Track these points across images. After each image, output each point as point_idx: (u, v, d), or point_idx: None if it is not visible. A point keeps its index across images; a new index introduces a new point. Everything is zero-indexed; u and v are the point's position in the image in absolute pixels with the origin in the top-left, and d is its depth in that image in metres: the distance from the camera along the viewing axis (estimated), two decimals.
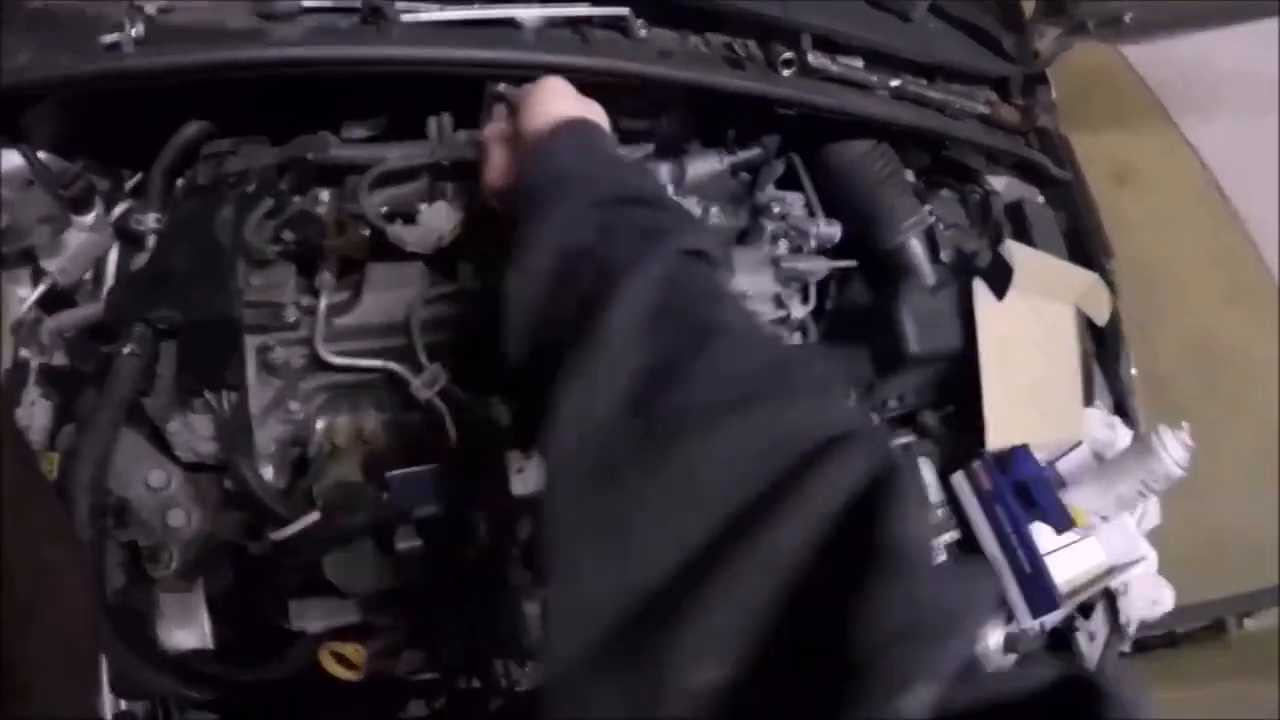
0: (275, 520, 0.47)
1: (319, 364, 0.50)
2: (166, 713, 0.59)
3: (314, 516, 0.45)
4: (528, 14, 0.54)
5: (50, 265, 0.57)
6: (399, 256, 0.51)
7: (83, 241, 0.58)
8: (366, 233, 0.51)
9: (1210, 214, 1.37)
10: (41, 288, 0.57)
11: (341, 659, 0.49)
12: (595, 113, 0.45)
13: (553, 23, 0.54)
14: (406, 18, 0.51)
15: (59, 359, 0.57)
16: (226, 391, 0.47)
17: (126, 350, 0.48)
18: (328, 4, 0.52)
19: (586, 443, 0.28)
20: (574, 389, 0.28)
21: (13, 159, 0.59)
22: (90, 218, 0.58)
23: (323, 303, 0.49)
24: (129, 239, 0.55)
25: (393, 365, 0.49)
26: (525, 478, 0.46)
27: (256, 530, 0.54)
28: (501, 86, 0.48)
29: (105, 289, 0.60)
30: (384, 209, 0.51)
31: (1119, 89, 1.24)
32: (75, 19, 0.54)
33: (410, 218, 0.51)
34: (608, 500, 0.26)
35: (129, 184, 0.63)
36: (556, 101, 0.43)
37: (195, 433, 0.49)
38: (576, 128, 0.42)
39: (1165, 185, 1.31)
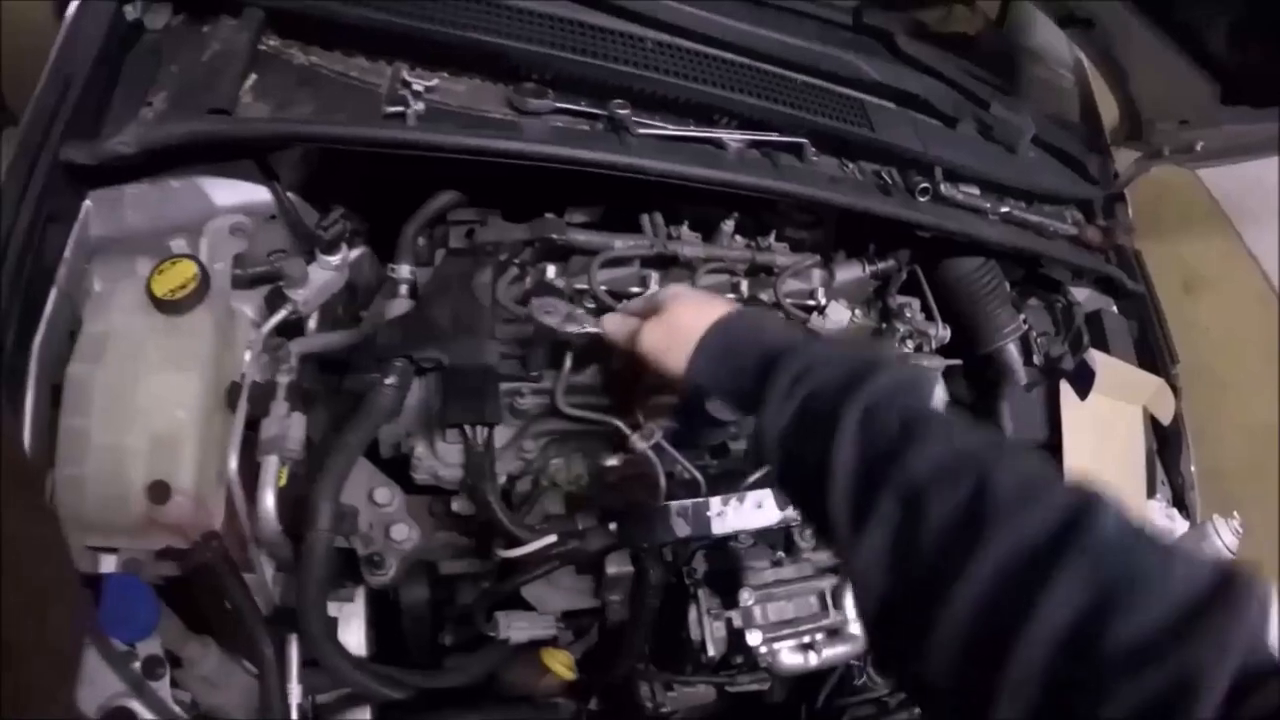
0: (510, 540, 0.69)
1: (554, 412, 0.74)
2: (314, 711, 0.78)
3: (550, 538, 0.68)
4: (730, 137, 0.82)
5: (295, 295, 0.80)
6: None
7: (326, 278, 0.82)
8: (592, 306, 0.77)
9: (1267, 318, 1.74)
10: (284, 313, 0.80)
11: (559, 663, 0.72)
12: (724, 304, 0.61)
13: (749, 144, 0.82)
14: (641, 131, 0.78)
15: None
16: (480, 427, 0.70)
17: (389, 381, 0.71)
18: (574, 107, 0.78)
19: (875, 612, 0.43)
20: (854, 584, 0.46)
21: (260, 193, 0.83)
22: (337, 259, 0.82)
23: (568, 361, 0.74)
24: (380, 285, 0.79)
25: (617, 421, 0.73)
26: (724, 520, 0.70)
27: (460, 550, 0.77)
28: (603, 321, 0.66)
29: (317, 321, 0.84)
30: (604, 288, 0.77)
31: (1186, 202, 1.61)
32: (342, 83, 0.78)
33: (624, 298, 0.77)
34: (901, 647, 0.42)
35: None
36: (697, 302, 0.61)
37: (441, 460, 0.72)
38: (727, 322, 0.58)
39: (1228, 293, 1.67)
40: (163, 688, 0.67)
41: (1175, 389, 1.16)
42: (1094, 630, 0.35)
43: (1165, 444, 1.18)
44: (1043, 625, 0.36)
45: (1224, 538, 0.96)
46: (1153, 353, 1.17)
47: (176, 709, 0.66)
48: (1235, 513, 0.97)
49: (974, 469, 0.43)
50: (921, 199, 0.89)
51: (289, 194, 0.82)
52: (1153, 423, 1.16)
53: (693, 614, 0.72)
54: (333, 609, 0.78)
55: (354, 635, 0.79)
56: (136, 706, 0.64)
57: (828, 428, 0.47)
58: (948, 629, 0.39)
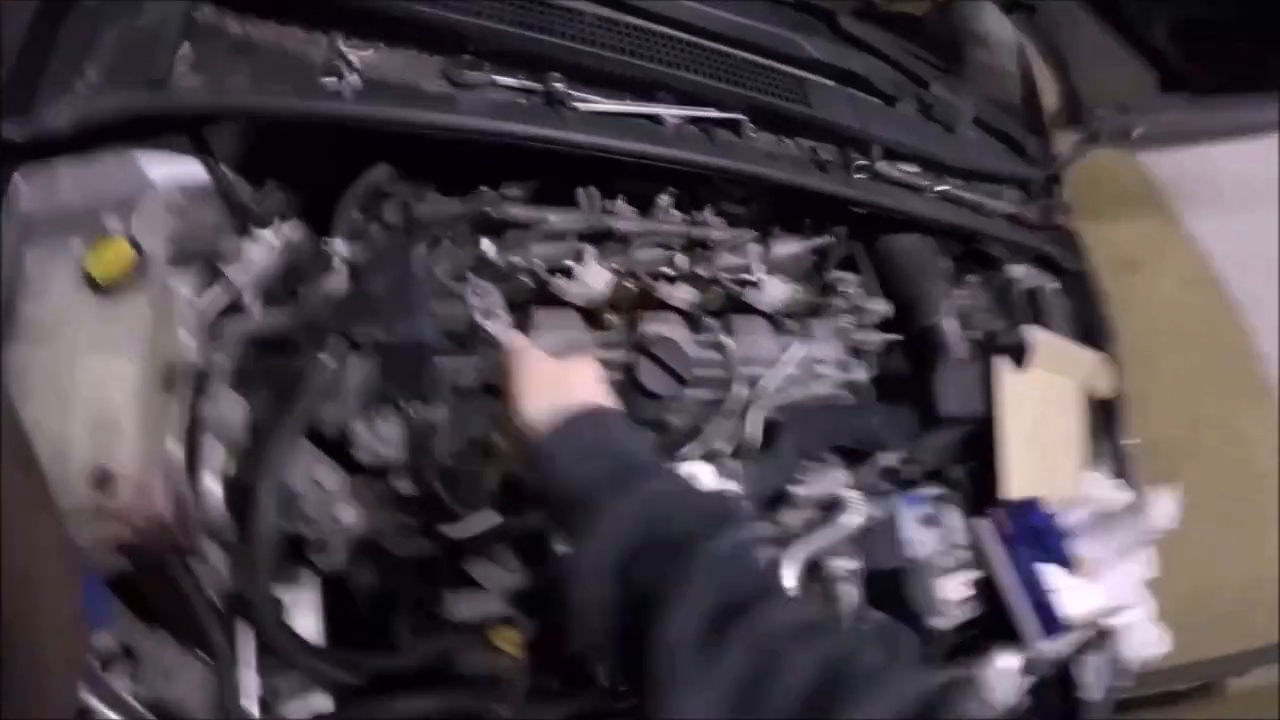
0: (453, 519, 0.68)
1: (492, 388, 0.72)
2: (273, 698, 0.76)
3: (492, 517, 0.67)
4: (668, 112, 0.81)
5: (231, 272, 0.78)
6: (555, 303, 0.75)
7: (262, 254, 0.80)
8: (528, 281, 0.75)
9: (1205, 298, 1.77)
10: (220, 290, 0.77)
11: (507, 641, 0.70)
12: (583, 378, 0.55)
13: (687, 120, 0.81)
14: (578, 105, 0.76)
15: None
16: (418, 402, 0.69)
17: (325, 359, 0.69)
18: (512, 83, 0.76)
19: None
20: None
21: (195, 168, 0.80)
22: (272, 234, 0.79)
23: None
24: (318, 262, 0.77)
25: None
26: None
27: (407, 531, 0.76)
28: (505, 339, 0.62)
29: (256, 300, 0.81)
30: (540, 262, 0.76)
31: (1126, 184, 1.63)
32: (278, 54, 0.76)
33: (560, 271, 0.76)
34: None
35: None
36: (596, 380, 0.55)
37: (381, 438, 0.71)
38: (615, 414, 0.53)
39: (1167, 272, 1.70)
40: (117, 680, 0.66)
41: (1115, 364, 1.17)
42: None
43: (1106, 418, 1.19)
44: None
45: (1165, 507, 0.97)
46: (1092, 329, 1.19)
47: (133, 702, 0.65)
48: (1177, 483, 0.98)
49: (831, 643, 0.41)
50: (858, 176, 0.89)
51: (224, 168, 0.79)
52: (1093, 397, 1.17)
53: None
54: (285, 595, 0.77)
55: (308, 620, 0.78)
56: (93, 701, 0.62)
57: (687, 553, 0.44)
58: None
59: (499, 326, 0.67)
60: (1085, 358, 1.15)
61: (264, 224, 0.79)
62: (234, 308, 0.80)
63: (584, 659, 0.75)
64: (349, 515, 0.73)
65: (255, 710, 0.68)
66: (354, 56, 0.75)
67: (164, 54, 0.71)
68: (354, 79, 0.74)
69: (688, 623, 0.41)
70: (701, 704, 0.40)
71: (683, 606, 0.42)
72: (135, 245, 0.71)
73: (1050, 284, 1.19)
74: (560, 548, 0.72)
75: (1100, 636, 1.04)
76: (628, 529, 0.46)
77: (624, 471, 0.49)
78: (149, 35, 0.72)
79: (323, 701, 0.75)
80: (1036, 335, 1.03)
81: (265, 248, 0.80)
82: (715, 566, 0.43)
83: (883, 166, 0.91)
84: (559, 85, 0.76)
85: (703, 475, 0.71)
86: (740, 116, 0.83)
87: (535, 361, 0.57)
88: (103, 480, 0.66)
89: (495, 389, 0.65)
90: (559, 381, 0.55)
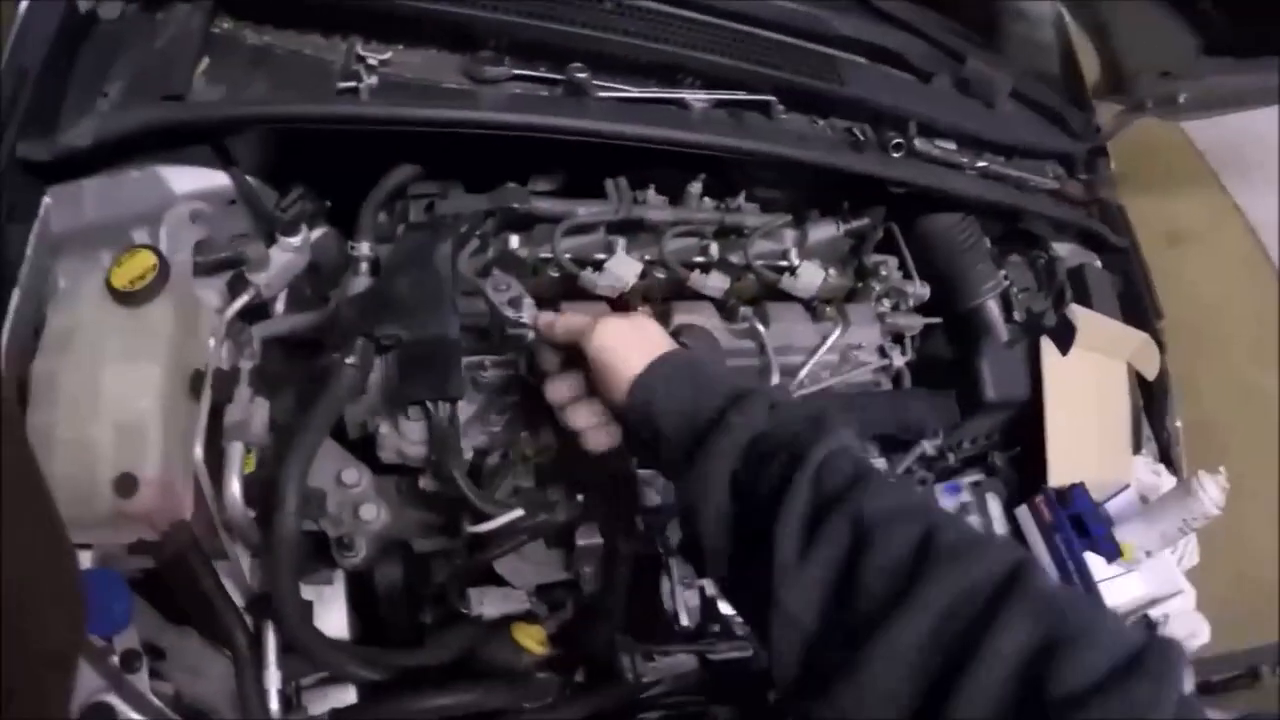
0: (478, 516, 0.65)
1: (519, 384, 0.70)
2: (298, 695, 0.76)
3: (518, 512, 0.65)
4: (694, 97, 0.76)
5: (257, 279, 0.77)
6: (583, 297, 0.72)
7: (288, 260, 0.78)
8: (556, 275, 0.72)
9: (1254, 274, 1.67)
10: (245, 297, 0.76)
11: (529, 638, 0.68)
12: (653, 332, 0.57)
13: (714, 104, 0.77)
14: (601, 94, 0.73)
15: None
16: (443, 402, 0.66)
17: (350, 361, 0.67)
18: (532, 73, 0.73)
19: (800, 663, 0.41)
20: (780, 630, 0.42)
21: (219, 179, 0.78)
22: (298, 239, 0.77)
23: (532, 333, 0.69)
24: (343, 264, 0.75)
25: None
26: None
27: (431, 528, 0.74)
28: (545, 321, 0.60)
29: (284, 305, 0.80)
30: (568, 256, 0.73)
31: (1171, 156, 1.54)
32: (296, 61, 0.75)
33: (590, 265, 0.72)
34: (833, 701, 0.39)
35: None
36: (630, 348, 0.55)
37: (405, 437, 0.68)
38: (668, 366, 0.53)
39: (1213, 247, 1.61)
40: (141, 680, 0.66)
41: (1160, 344, 1.11)
42: (1042, 669, 0.35)
43: (1151, 399, 1.14)
44: (992, 665, 0.36)
45: (1210, 493, 0.92)
46: (1137, 308, 1.13)
47: (156, 702, 0.64)
48: (1221, 468, 0.93)
49: (922, 518, 0.43)
50: (895, 155, 0.84)
51: (248, 177, 0.78)
52: (1138, 378, 1.11)
53: (665, 584, 0.69)
54: (312, 593, 0.77)
55: (335, 618, 0.77)
56: (115, 701, 0.62)
57: (791, 461, 0.46)
58: (885, 665, 0.38)
59: (530, 313, 0.64)
60: (1131, 337, 1.08)
61: (290, 231, 0.77)
62: (260, 313, 0.78)
63: (607, 653, 0.74)
64: (371, 513, 0.71)
65: (276, 709, 0.67)
66: (373, 59, 0.73)
67: (182, 68, 0.71)
68: (372, 80, 0.71)
69: (791, 528, 0.43)
70: (804, 588, 0.42)
71: (789, 514, 0.44)
72: (160, 256, 0.70)
73: (1095, 261, 1.13)
74: (583, 541, 0.71)
75: (1142, 627, 0.99)
76: (739, 446, 0.49)
77: (727, 395, 0.52)
78: (168, 51, 0.72)
79: (348, 696, 0.73)
80: (1081, 315, 0.97)
81: (291, 254, 0.78)
82: (814, 473, 0.45)
83: (920, 144, 0.85)
84: (581, 75, 0.73)
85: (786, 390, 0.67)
86: (769, 98, 0.79)
87: (612, 328, 0.57)
88: (128, 485, 0.65)
89: (534, 377, 0.65)
90: (637, 337, 0.56)
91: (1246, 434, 1.48)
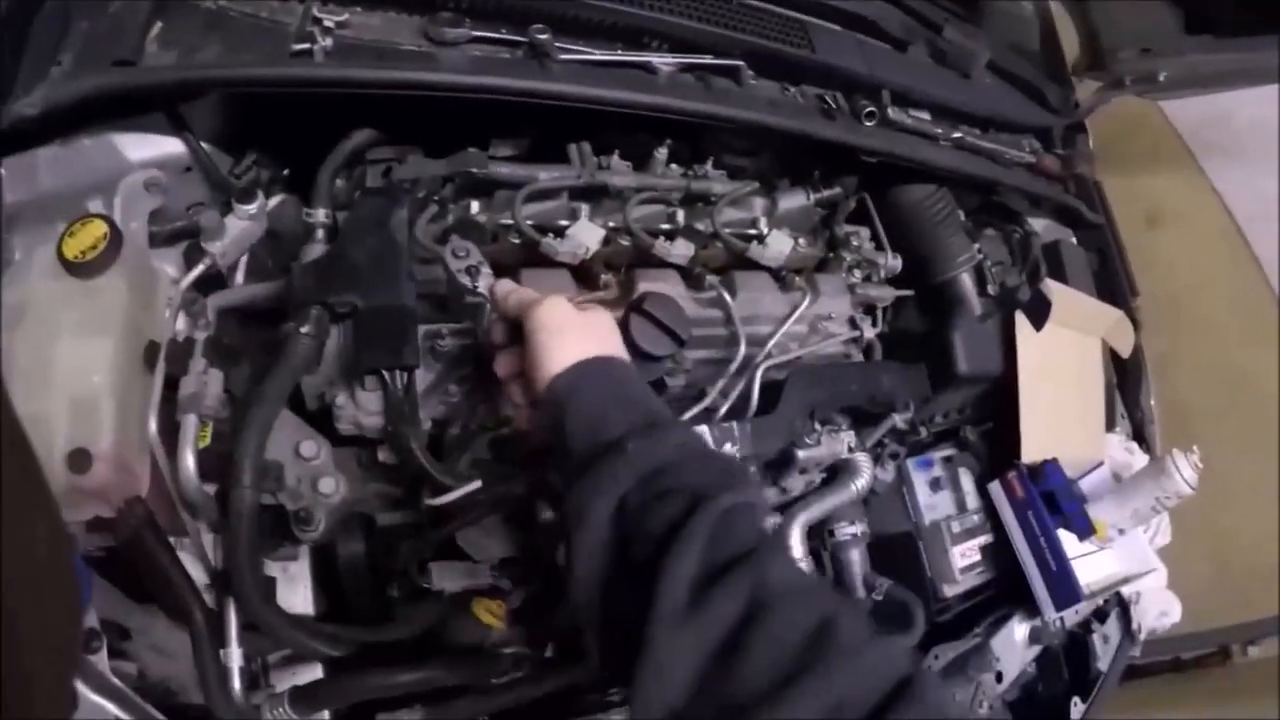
0: (436, 488, 0.63)
1: (476, 354, 0.67)
2: (265, 672, 0.73)
3: (476, 484, 0.62)
4: (661, 61, 0.73)
5: (213, 248, 0.73)
6: (544, 264, 0.69)
7: (244, 228, 0.74)
8: (517, 241, 0.69)
9: (1231, 255, 1.65)
10: (201, 268, 0.73)
11: (488, 613, 0.66)
12: (602, 330, 0.53)
13: (681, 69, 0.73)
14: (564, 57, 0.69)
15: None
16: (399, 371, 0.63)
17: (304, 330, 0.64)
18: (493, 35, 0.69)
19: (667, 696, 0.37)
20: (647, 679, 0.37)
21: (174, 146, 0.75)
22: (253, 207, 0.74)
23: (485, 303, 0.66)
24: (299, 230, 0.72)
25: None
26: None
27: (393, 501, 0.71)
28: (501, 292, 0.57)
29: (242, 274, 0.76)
30: (529, 222, 0.69)
31: (1151, 136, 1.51)
32: (251, 24, 0.71)
33: (550, 231, 0.69)
34: None
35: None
36: (568, 335, 0.51)
37: (362, 408, 0.66)
38: (598, 371, 0.50)
39: (1191, 228, 1.58)
40: (100, 661, 0.63)
41: (1135, 321, 1.09)
42: None
43: (1125, 377, 1.11)
44: None
45: (1183, 472, 0.90)
46: (1112, 285, 1.10)
47: (116, 681, 0.61)
48: (1195, 447, 0.91)
49: (825, 602, 0.40)
50: (868, 123, 0.80)
51: (204, 144, 0.74)
52: (1112, 355, 1.09)
53: None
54: (277, 569, 0.74)
55: (300, 595, 0.75)
56: (75, 682, 0.58)
57: (693, 503, 0.42)
58: None
59: (487, 282, 0.61)
60: (1106, 314, 1.06)
61: (245, 198, 0.74)
62: (216, 282, 0.75)
63: (573, 627, 0.71)
64: (330, 486, 0.68)
65: (239, 688, 0.64)
66: (329, 20, 0.69)
67: (133, 33, 0.67)
68: (327, 42, 0.68)
69: (682, 573, 0.40)
70: (687, 649, 0.38)
71: (680, 557, 0.40)
72: (112, 225, 0.67)
73: (1071, 237, 1.10)
74: (545, 515, 0.68)
75: (1114, 605, 0.97)
76: (637, 475, 0.45)
77: (639, 420, 0.48)
78: (120, 16, 0.68)
79: (315, 673, 0.71)
80: (1056, 290, 0.95)
81: (247, 221, 0.75)
82: (717, 521, 0.42)
83: (894, 113, 0.82)
84: (543, 37, 0.69)
85: (702, 437, 0.64)
86: (738, 63, 0.75)
87: (555, 310, 0.53)
88: (81, 461, 0.63)
89: (485, 348, 0.61)
90: (579, 329, 0.52)
91: (1220, 414, 1.46)
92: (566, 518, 0.47)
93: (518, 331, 0.56)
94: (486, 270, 0.62)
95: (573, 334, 0.52)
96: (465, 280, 0.61)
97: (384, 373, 0.63)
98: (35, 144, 0.69)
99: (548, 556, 0.69)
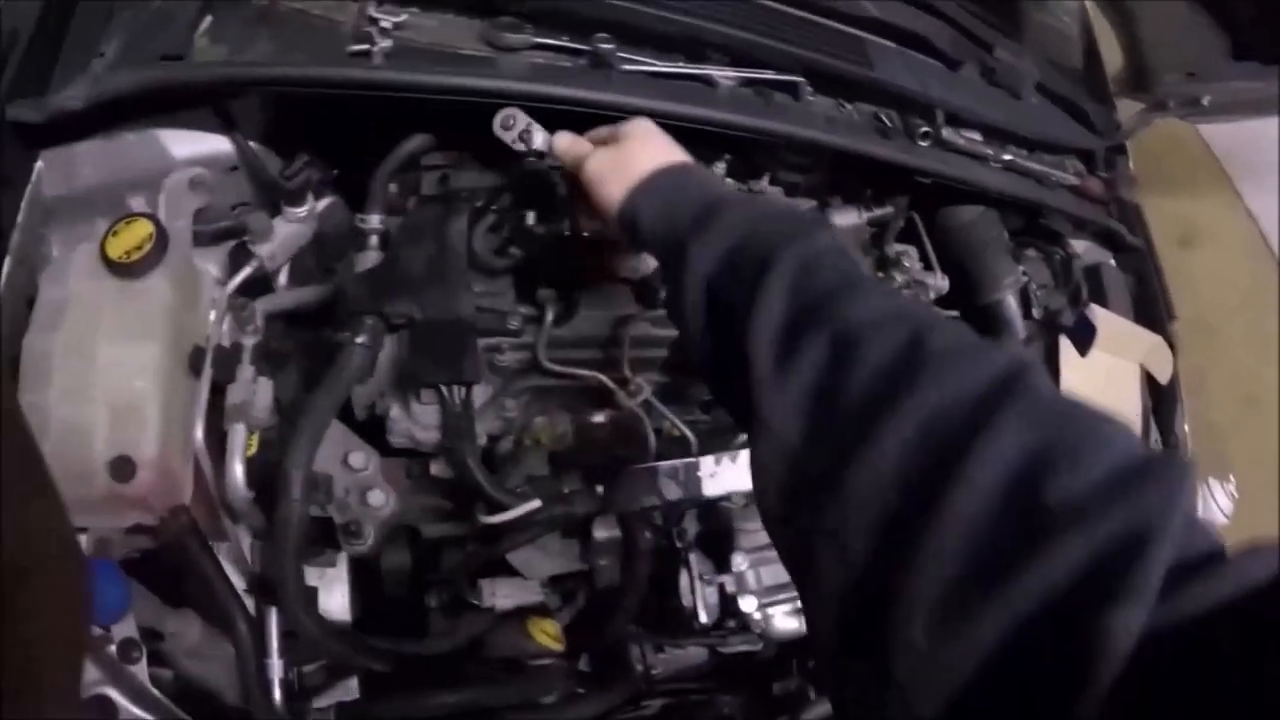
0: (492, 506, 0.62)
1: (535, 368, 0.66)
2: (300, 680, 0.73)
3: (535, 504, 0.62)
4: (721, 74, 0.73)
5: (261, 250, 0.72)
6: (603, 280, 0.68)
7: (293, 231, 0.74)
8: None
9: (1263, 279, 1.66)
10: (248, 270, 0.72)
11: (544, 634, 0.66)
12: (644, 159, 0.57)
13: (741, 83, 0.73)
14: (625, 67, 0.69)
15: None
16: (456, 386, 0.63)
17: (359, 340, 0.64)
18: (555, 42, 0.69)
19: (786, 488, 0.38)
20: (760, 440, 0.39)
21: (221, 144, 0.74)
22: (304, 209, 0.73)
23: (550, 314, 0.66)
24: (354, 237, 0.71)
25: (602, 376, 0.66)
26: (716, 481, 0.64)
27: (441, 514, 0.70)
28: (561, 146, 0.61)
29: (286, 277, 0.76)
30: (586, 234, 0.69)
31: (1188, 157, 1.52)
32: (303, 21, 0.70)
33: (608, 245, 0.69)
34: (820, 520, 0.35)
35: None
36: (656, 143, 0.57)
37: (417, 421, 0.65)
38: (681, 168, 0.55)
39: (1224, 249, 1.59)
40: (140, 671, 0.62)
41: (1172, 346, 1.09)
42: (1036, 480, 0.31)
43: (1160, 402, 1.11)
44: (982, 470, 0.31)
45: (1219, 500, 0.90)
46: (1150, 308, 1.10)
47: (155, 692, 0.60)
48: (1230, 476, 0.91)
49: (911, 323, 0.39)
50: (922, 143, 0.80)
51: (251, 143, 0.74)
52: (1148, 380, 1.09)
53: (684, 579, 0.66)
54: (314, 575, 0.74)
55: (337, 602, 0.74)
56: (114, 694, 0.58)
57: (764, 265, 0.43)
58: (869, 474, 0.34)
59: (542, 138, 0.62)
60: (1145, 339, 1.06)
61: (296, 200, 0.73)
62: (263, 286, 0.74)
63: (618, 644, 0.72)
64: (380, 499, 0.67)
65: (279, 698, 0.64)
66: (386, 20, 0.68)
67: (182, 26, 0.66)
68: (386, 43, 0.67)
69: (767, 334, 0.40)
70: (784, 404, 0.39)
71: (763, 317, 0.41)
72: (158, 226, 0.66)
73: (1110, 260, 1.11)
74: (601, 534, 0.68)
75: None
76: (713, 255, 0.46)
77: (705, 207, 0.50)
78: (168, 8, 0.67)
79: (350, 682, 0.71)
80: (1102, 316, 0.95)
81: (297, 224, 0.74)
82: (794, 272, 0.42)
83: (947, 133, 0.82)
84: (606, 46, 0.68)
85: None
86: (798, 79, 0.75)
87: (595, 165, 0.57)
88: (124, 469, 0.62)
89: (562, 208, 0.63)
90: (627, 160, 0.56)
91: (1249, 435, 1.47)
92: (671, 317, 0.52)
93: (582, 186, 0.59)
94: (538, 129, 0.62)
95: (617, 176, 0.55)
96: (521, 146, 0.61)
97: (442, 387, 0.63)
98: (75, 138, 0.68)
99: (602, 577, 0.69)
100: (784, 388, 0.39)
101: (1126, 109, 1.13)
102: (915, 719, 0.30)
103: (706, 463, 0.64)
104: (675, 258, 0.48)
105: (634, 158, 0.56)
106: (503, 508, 0.62)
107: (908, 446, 0.34)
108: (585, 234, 0.63)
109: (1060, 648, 0.27)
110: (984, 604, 0.29)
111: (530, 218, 0.69)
